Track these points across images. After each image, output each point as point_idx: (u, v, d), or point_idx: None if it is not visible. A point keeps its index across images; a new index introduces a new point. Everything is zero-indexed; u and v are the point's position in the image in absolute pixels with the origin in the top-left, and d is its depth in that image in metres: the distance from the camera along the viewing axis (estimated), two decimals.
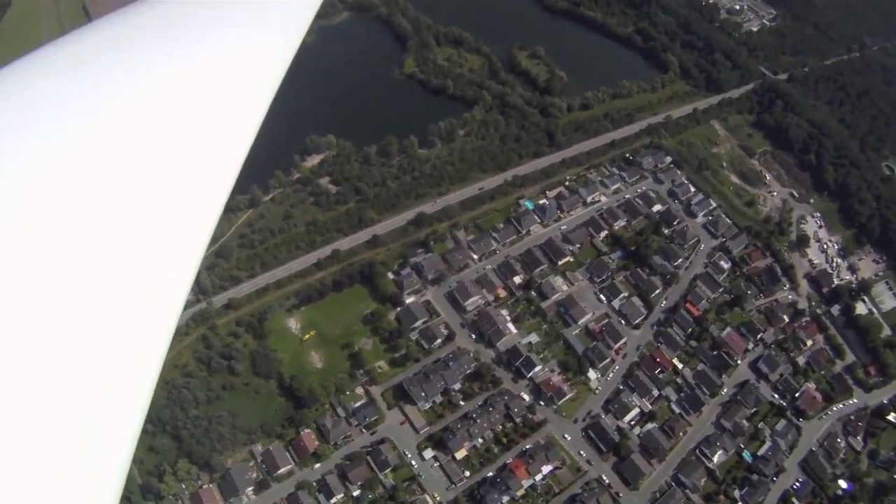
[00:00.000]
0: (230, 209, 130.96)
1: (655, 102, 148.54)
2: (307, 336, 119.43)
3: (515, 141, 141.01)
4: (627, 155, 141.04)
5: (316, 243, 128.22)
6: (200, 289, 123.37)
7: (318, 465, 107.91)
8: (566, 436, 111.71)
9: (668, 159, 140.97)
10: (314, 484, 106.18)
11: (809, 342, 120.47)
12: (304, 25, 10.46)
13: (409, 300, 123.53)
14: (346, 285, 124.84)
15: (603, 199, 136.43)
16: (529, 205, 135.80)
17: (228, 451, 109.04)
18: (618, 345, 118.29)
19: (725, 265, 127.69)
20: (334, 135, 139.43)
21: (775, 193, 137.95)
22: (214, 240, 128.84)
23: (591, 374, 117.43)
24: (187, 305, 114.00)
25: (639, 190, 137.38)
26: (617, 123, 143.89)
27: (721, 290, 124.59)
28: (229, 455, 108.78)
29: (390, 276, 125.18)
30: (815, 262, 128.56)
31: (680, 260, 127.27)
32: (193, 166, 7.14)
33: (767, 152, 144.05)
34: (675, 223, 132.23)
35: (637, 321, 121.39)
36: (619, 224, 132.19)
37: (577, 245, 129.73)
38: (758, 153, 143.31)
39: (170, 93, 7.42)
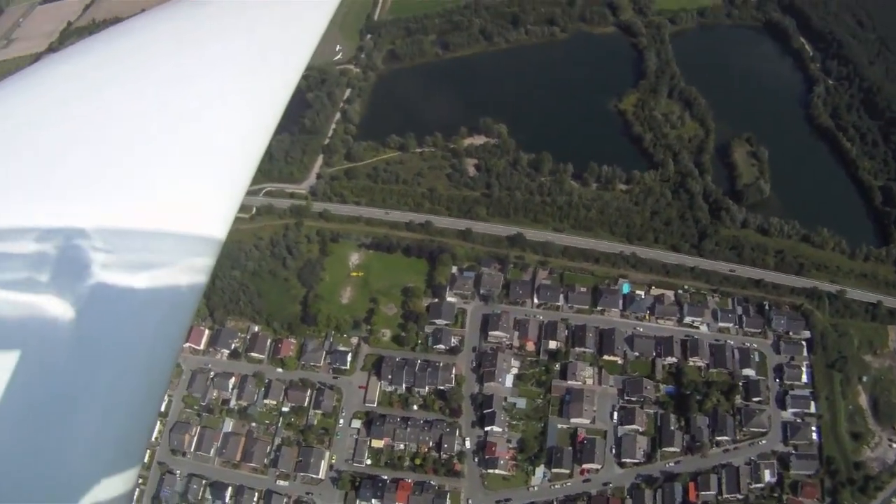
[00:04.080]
0: (382, 143, 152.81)
1: (844, 271, 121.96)
2: (354, 273, 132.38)
3: (664, 224, 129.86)
4: (765, 303, 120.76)
5: (422, 208, 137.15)
6: (313, 190, 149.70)
7: (279, 370, 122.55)
8: (470, 501, 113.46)
9: (806, 335, 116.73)
10: (265, 380, 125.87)
11: None
12: (317, 33, 10.28)
13: (449, 299, 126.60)
14: (414, 254, 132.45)
15: (702, 329, 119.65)
16: (626, 288, 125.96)
17: (235, 315, 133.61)
18: (588, 467, 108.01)
19: (769, 478, 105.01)
20: (507, 127, 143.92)
21: None
22: (353, 159, 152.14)
23: (539, 471, 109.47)
24: (294, 195, 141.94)
25: (746, 344, 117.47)
26: (781, 266, 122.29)
27: (740, 497, 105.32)
28: (233, 318, 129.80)
29: (453, 269, 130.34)
30: None
31: (725, 438, 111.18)
32: (204, 172, 7.77)
33: None
34: (753, 400, 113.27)
35: (627, 461, 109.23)
36: (696, 362, 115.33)
37: (636, 353, 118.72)
38: None
39: (180, 99, 8.19)
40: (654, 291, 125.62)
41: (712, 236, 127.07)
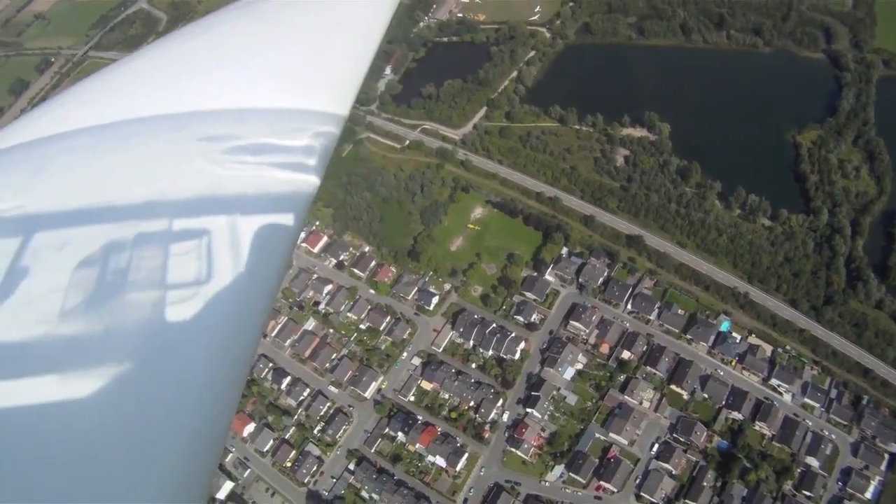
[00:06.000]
0: (544, 111, 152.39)
1: None
2: (472, 226, 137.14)
3: (793, 274, 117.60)
4: (864, 397, 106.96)
5: (558, 183, 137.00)
6: (464, 139, 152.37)
7: (371, 291, 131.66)
8: (483, 470, 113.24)
9: (894, 448, 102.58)
10: (356, 296, 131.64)
11: None
12: (381, 28, 9.92)
13: (547, 277, 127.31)
14: (532, 224, 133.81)
15: (784, 397, 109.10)
16: (725, 326, 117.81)
17: (353, 231, 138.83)
18: (605, 486, 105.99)
19: None
20: (671, 127, 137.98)
21: None
22: (512, 119, 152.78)
23: (558, 470, 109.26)
24: (446, 139, 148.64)
25: (823, 431, 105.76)
26: None
27: None
28: (350, 234, 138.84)
29: (563, 250, 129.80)
30: None
31: None
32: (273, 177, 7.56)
33: None
34: (803, 493, 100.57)
35: (646, 496, 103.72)
36: (762, 429, 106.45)
37: (705, 395, 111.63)
38: None
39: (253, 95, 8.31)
40: (752, 340, 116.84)
41: (838, 305, 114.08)
